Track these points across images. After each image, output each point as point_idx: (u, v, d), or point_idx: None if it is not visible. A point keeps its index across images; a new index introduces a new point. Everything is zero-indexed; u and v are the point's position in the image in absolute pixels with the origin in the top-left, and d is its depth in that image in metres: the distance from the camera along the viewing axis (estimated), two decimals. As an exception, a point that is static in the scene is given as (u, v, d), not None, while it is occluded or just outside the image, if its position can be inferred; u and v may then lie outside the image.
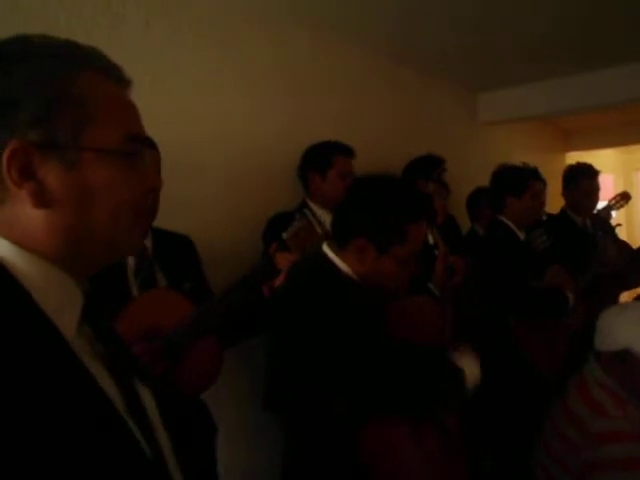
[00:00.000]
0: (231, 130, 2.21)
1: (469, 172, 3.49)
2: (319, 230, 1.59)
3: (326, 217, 2.17)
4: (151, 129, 0.73)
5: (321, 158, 2.26)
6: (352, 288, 1.36)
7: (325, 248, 1.42)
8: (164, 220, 1.51)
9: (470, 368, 1.35)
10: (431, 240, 2.02)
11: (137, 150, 0.60)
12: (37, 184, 0.52)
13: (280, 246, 1.54)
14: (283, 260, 1.53)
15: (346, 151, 2.27)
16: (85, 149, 0.54)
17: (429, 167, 2.76)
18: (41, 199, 0.53)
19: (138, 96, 0.64)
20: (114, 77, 0.59)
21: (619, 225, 2.95)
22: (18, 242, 0.53)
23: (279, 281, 1.54)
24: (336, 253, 1.39)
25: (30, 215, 0.53)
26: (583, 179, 2.99)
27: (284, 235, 1.54)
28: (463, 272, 1.88)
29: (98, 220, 0.56)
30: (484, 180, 2.77)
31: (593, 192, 3.00)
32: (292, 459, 1.41)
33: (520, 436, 1.85)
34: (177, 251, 1.60)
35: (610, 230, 2.88)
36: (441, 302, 1.67)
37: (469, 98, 3.95)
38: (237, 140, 2.23)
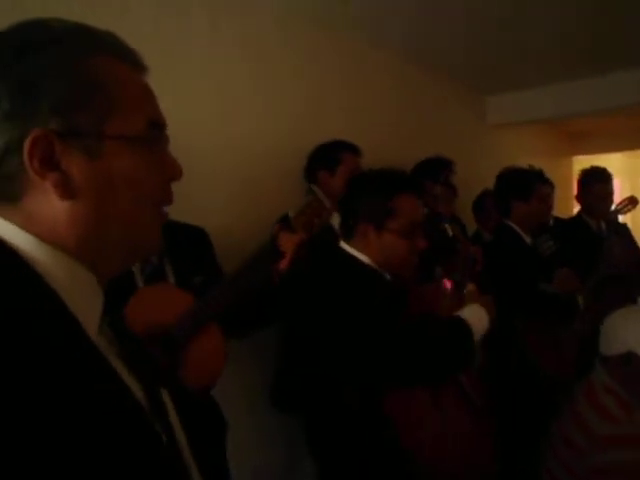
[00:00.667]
0: (244, 130, 2.22)
1: (476, 174, 3.48)
2: (327, 205, 1.47)
3: (334, 215, 2.18)
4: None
5: (330, 155, 2.27)
6: (374, 276, 1.47)
7: (342, 244, 1.53)
8: (177, 217, 1.50)
9: (477, 318, 1.44)
10: (450, 233, 2.03)
11: (159, 137, 0.58)
12: (61, 174, 0.50)
13: (284, 226, 1.43)
14: (285, 240, 1.41)
15: (354, 149, 2.30)
16: (109, 137, 0.52)
17: (437, 169, 2.76)
18: (66, 190, 0.51)
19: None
20: (131, 61, 0.57)
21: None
22: (38, 235, 0.51)
23: (283, 265, 1.43)
24: (350, 245, 1.51)
25: (54, 207, 0.51)
26: (596, 183, 2.98)
27: (290, 213, 1.44)
28: (482, 261, 1.91)
29: (119, 209, 0.54)
30: (491, 183, 2.76)
31: (607, 196, 2.99)
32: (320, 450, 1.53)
33: (526, 440, 1.85)
34: (190, 243, 1.56)
35: (625, 233, 2.87)
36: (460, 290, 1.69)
37: (478, 100, 3.95)
38: (249, 139, 2.23)
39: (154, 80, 0.62)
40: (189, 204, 1.49)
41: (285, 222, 1.44)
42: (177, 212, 1.44)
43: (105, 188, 0.53)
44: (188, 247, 1.53)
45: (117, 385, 0.51)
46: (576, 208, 3.31)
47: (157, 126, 0.58)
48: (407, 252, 1.47)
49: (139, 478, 0.47)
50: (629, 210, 3.05)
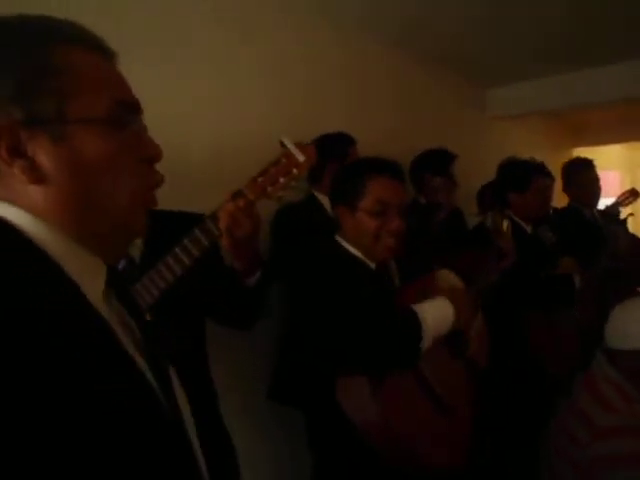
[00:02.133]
0: (242, 120, 2.21)
1: (477, 167, 3.47)
2: (300, 158, 1.23)
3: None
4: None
5: (338, 149, 2.26)
6: (358, 270, 1.49)
7: (337, 237, 1.57)
8: (173, 206, 1.48)
9: (438, 315, 1.37)
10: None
11: (126, 116, 0.58)
12: (27, 161, 0.52)
13: (235, 193, 1.22)
14: (222, 212, 1.19)
15: (353, 141, 2.33)
16: (71, 121, 0.53)
17: (436, 161, 2.75)
18: (34, 175, 0.52)
19: (147, 81, 0.63)
20: (95, 48, 0.58)
21: (631, 215, 2.93)
22: (27, 211, 0.53)
23: (224, 241, 1.23)
24: (340, 236, 1.56)
25: (28, 191, 0.53)
26: (581, 172, 3.00)
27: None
28: (513, 256, 1.85)
29: (96, 191, 0.55)
30: (491, 175, 2.76)
31: (593, 182, 3.00)
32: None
33: (525, 433, 1.85)
34: (178, 231, 1.34)
35: (620, 223, 2.87)
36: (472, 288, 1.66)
37: (478, 93, 3.94)
38: (247, 131, 2.22)
39: (153, 67, 0.62)
40: (186, 192, 1.48)
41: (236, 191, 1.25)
42: (173, 201, 1.44)
43: (75, 171, 0.54)
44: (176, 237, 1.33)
45: (115, 347, 0.52)
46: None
47: (125, 107, 0.58)
48: (376, 230, 1.47)
49: (141, 449, 0.48)
50: (630, 202, 3.05)
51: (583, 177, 3.00)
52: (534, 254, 2.34)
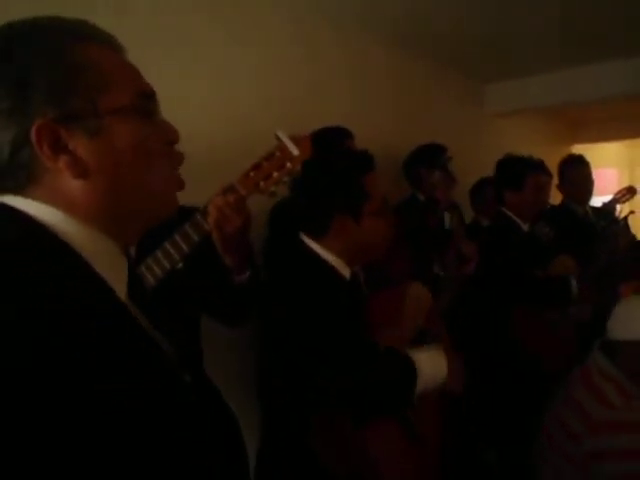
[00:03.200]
0: (242, 115, 2.20)
1: (475, 163, 3.47)
2: (294, 152, 1.17)
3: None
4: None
5: (335, 143, 2.24)
6: (334, 280, 1.34)
7: (305, 238, 1.37)
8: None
9: (430, 367, 1.27)
10: (447, 224, 1.93)
11: (149, 105, 0.61)
12: (70, 156, 0.55)
13: (226, 189, 1.17)
14: (211, 207, 1.15)
15: (351, 134, 2.30)
16: (103, 114, 0.56)
17: (432, 156, 2.75)
18: (78, 169, 0.55)
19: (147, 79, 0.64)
20: (107, 43, 0.61)
21: (632, 212, 2.92)
22: (65, 211, 0.56)
23: (214, 235, 1.18)
24: (317, 242, 1.36)
25: (71, 186, 0.55)
26: (574, 169, 2.99)
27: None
28: (475, 260, 1.83)
29: (134, 180, 0.58)
30: (489, 171, 2.75)
31: (586, 179, 3.00)
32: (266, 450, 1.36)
33: (522, 429, 1.86)
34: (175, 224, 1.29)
35: (615, 221, 2.87)
36: (441, 288, 1.63)
37: (476, 89, 3.93)
38: (247, 125, 2.21)
39: (154, 62, 0.62)
40: (186, 187, 1.47)
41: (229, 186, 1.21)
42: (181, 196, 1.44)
43: (113, 160, 0.57)
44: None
45: (148, 341, 0.57)
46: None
47: (146, 96, 0.61)
48: (386, 231, 1.39)
49: (174, 427, 0.53)
50: (627, 200, 3.05)
51: (575, 174, 2.99)
52: (530, 252, 2.35)
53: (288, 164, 1.19)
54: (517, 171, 2.46)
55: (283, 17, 2.40)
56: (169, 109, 0.69)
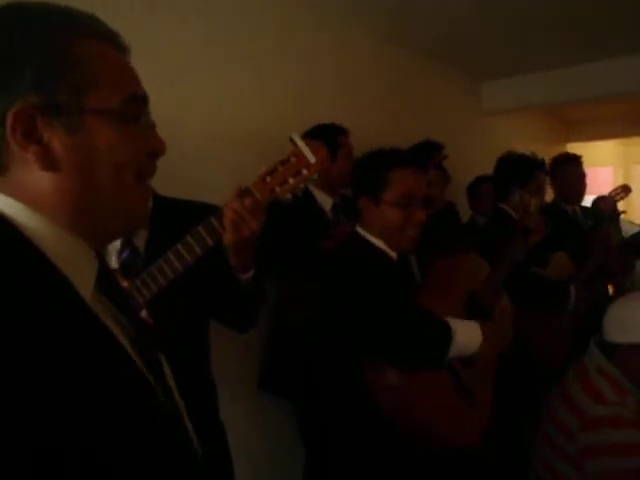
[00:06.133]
0: (229, 113, 2.19)
1: (471, 161, 3.48)
2: (311, 159, 1.16)
3: (328, 202, 2.16)
4: (154, 111, 0.72)
5: (329, 140, 2.20)
6: (380, 262, 1.54)
7: (358, 229, 1.60)
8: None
9: (467, 333, 1.47)
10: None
11: (138, 111, 0.60)
12: (42, 147, 0.53)
13: (242, 191, 1.15)
14: (228, 210, 1.14)
15: (347, 131, 2.28)
16: (87, 111, 0.54)
17: (426, 153, 2.74)
18: (47, 162, 0.53)
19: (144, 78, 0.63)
20: (113, 43, 0.59)
21: (623, 212, 2.93)
22: (28, 204, 0.54)
23: (226, 238, 1.16)
24: (362, 227, 1.59)
25: (37, 178, 0.53)
26: (567, 168, 2.99)
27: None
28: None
29: (102, 181, 0.56)
30: (485, 169, 2.76)
31: (580, 179, 3.00)
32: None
33: (519, 426, 1.86)
34: (185, 222, 1.26)
35: (603, 220, 2.88)
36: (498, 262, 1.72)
37: (473, 87, 3.93)
38: (235, 123, 2.20)
39: (142, 63, 0.61)
40: (176, 186, 1.46)
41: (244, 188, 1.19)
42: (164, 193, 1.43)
43: (85, 159, 0.55)
44: (181, 225, 1.25)
45: (110, 343, 0.53)
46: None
47: (137, 100, 0.59)
48: (401, 222, 1.51)
49: (137, 438, 0.50)
50: (622, 198, 3.06)
51: (568, 173, 2.99)
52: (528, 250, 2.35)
53: (304, 171, 1.17)
54: (524, 168, 2.46)
55: (270, 12, 2.37)
56: (158, 109, 0.69)
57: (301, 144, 1.18)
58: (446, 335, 1.44)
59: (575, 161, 3.01)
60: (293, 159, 1.17)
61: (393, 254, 1.58)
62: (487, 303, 1.64)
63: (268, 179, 1.17)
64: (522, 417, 1.81)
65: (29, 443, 0.41)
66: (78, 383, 0.46)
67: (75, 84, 0.54)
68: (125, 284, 1.19)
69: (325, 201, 2.16)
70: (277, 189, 1.16)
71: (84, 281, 0.55)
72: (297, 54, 2.50)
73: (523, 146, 3.00)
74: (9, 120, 0.51)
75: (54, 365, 0.45)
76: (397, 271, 1.59)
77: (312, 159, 1.17)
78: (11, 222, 0.52)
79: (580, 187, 3.00)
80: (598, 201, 3.01)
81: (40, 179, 0.54)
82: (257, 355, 2.18)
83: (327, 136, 2.21)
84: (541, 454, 1.59)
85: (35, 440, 0.42)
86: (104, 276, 0.61)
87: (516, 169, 2.48)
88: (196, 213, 1.19)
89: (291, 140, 1.20)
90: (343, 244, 1.68)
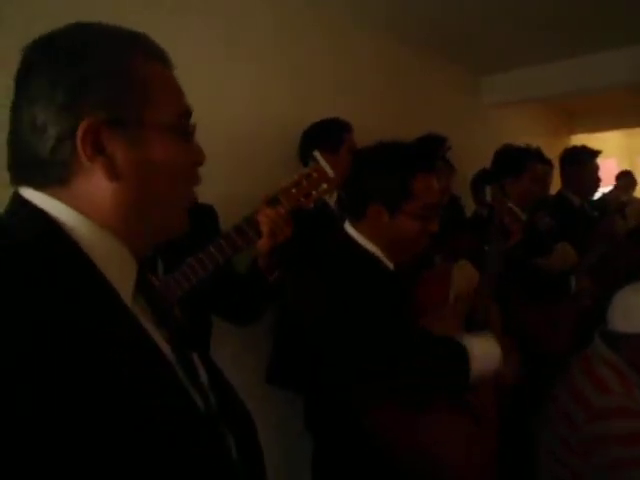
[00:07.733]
0: (230, 112, 2.19)
1: (473, 154, 3.47)
2: (331, 174, 1.31)
3: (331, 197, 2.17)
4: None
5: (333, 136, 2.20)
6: (376, 267, 1.38)
7: (348, 227, 1.43)
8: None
9: (483, 350, 1.29)
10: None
11: (189, 126, 0.65)
12: (108, 158, 0.57)
13: (271, 200, 1.28)
14: (264, 217, 1.27)
15: (350, 127, 2.27)
16: (147, 126, 0.59)
17: (432, 148, 2.74)
18: (112, 172, 0.57)
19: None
20: (163, 60, 0.64)
21: (626, 205, 2.93)
22: (83, 212, 0.58)
23: (262, 244, 1.31)
24: (356, 229, 1.40)
25: (100, 188, 0.58)
26: (585, 161, 2.96)
27: (283, 183, 1.32)
28: (518, 235, 1.82)
29: (159, 191, 0.61)
30: (488, 163, 2.75)
31: (595, 173, 2.97)
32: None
33: (523, 417, 1.86)
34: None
35: (610, 212, 2.87)
36: (487, 263, 1.65)
37: (473, 80, 3.92)
38: (235, 122, 2.20)
39: (193, 65, 0.63)
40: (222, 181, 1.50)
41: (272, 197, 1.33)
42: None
43: (145, 171, 0.60)
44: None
45: (148, 345, 0.58)
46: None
47: (187, 116, 0.65)
48: (418, 235, 1.37)
49: (172, 439, 0.53)
50: (628, 187, 3.06)
51: (588, 166, 2.94)
52: (529, 241, 2.35)
53: (324, 185, 1.34)
54: (516, 159, 2.45)
55: (270, 5, 2.37)
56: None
57: (321, 160, 1.35)
58: (462, 357, 1.26)
59: (592, 154, 2.95)
60: (315, 174, 1.34)
61: (390, 264, 1.41)
62: (481, 317, 1.55)
63: (294, 191, 1.32)
64: (526, 408, 1.80)
65: (68, 446, 0.44)
66: (114, 383, 0.49)
67: (137, 101, 0.59)
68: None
69: (329, 195, 2.17)
70: (302, 199, 1.33)
71: (125, 284, 0.60)
72: (297, 52, 2.50)
73: (526, 139, 2.99)
74: (79, 134, 0.56)
75: (93, 365, 0.48)
76: (394, 283, 1.40)
77: (332, 174, 1.35)
78: (61, 227, 0.56)
79: (596, 181, 2.96)
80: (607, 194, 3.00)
81: (102, 189, 0.58)
82: (264, 349, 2.19)
83: (329, 132, 2.22)
84: (547, 447, 1.59)
85: (71, 442, 0.45)
86: (142, 277, 0.64)
87: (507, 161, 2.47)
88: (191, 213, 1.22)
89: (313, 158, 1.37)
90: (327, 244, 1.50)
